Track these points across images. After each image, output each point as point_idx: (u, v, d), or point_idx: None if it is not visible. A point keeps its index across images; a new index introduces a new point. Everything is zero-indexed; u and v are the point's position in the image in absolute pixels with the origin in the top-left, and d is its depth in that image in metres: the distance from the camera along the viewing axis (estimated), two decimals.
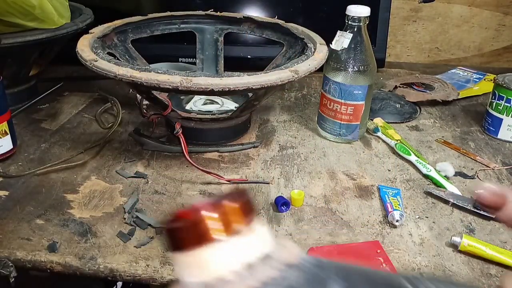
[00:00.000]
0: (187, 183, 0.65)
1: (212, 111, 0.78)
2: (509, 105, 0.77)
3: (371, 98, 0.77)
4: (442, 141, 0.79)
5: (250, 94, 0.72)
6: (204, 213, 0.18)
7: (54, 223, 0.56)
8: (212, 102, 0.82)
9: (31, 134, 0.77)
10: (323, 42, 0.74)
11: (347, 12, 0.71)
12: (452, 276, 0.50)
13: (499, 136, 0.79)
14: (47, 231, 0.55)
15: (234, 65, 0.85)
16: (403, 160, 0.72)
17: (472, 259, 0.53)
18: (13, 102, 0.79)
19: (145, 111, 0.77)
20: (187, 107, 0.80)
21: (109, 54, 0.68)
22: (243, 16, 0.85)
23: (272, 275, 0.17)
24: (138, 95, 0.77)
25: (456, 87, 0.98)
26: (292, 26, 0.81)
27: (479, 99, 0.97)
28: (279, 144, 0.76)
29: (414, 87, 0.99)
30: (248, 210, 0.18)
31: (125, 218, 0.57)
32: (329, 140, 0.77)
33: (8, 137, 0.67)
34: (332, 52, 0.72)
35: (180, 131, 0.66)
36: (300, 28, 0.80)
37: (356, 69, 0.71)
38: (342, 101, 0.73)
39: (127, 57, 0.77)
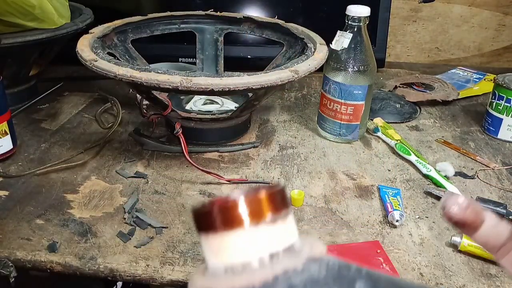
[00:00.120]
0: (187, 183, 0.65)
1: (212, 111, 0.78)
2: (509, 105, 0.77)
3: (371, 98, 0.77)
4: (442, 141, 0.79)
5: (250, 94, 0.72)
6: (235, 198, 0.18)
7: (54, 223, 0.56)
8: (212, 102, 0.82)
9: (31, 134, 0.77)
10: (323, 42, 0.74)
11: (347, 12, 0.71)
12: (452, 276, 0.50)
13: (499, 136, 0.79)
14: (47, 231, 0.55)
15: (234, 65, 0.85)
16: (403, 160, 0.72)
17: (472, 259, 0.53)
18: (13, 102, 0.79)
19: (145, 111, 0.77)
20: (187, 107, 0.80)
21: (109, 54, 0.68)
22: (243, 16, 0.85)
23: (295, 266, 0.17)
24: (138, 95, 0.77)
25: (456, 87, 0.98)
26: (292, 26, 0.81)
27: (479, 99, 0.97)
28: (279, 144, 0.76)
29: (414, 87, 0.99)
30: (280, 201, 0.19)
31: (125, 218, 0.57)
32: (329, 140, 0.77)
33: (8, 137, 0.67)
34: (332, 52, 0.72)
35: (180, 131, 0.66)
36: (300, 28, 0.80)
37: (356, 69, 0.71)
38: (342, 101, 0.73)
39: (127, 57, 0.77)
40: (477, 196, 0.61)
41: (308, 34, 0.77)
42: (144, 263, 0.51)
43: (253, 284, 0.16)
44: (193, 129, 0.72)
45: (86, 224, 0.56)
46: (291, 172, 0.68)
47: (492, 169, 0.71)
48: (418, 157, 0.70)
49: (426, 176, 0.68)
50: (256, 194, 0.18)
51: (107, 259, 0.51)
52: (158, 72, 0.58)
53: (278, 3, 1.06)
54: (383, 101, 0.88)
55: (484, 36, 1.19)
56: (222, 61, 0.87)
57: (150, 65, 0.81)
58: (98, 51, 0.65)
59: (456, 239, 0.53)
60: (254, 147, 0.74)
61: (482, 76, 1.06)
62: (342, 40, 0.72)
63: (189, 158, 0.64)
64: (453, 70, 1.10)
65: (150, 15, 0.83)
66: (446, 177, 0.67)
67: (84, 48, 0.65)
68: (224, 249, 0.18)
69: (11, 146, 0.68)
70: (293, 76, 0.61)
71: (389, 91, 0.95)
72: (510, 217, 0.58)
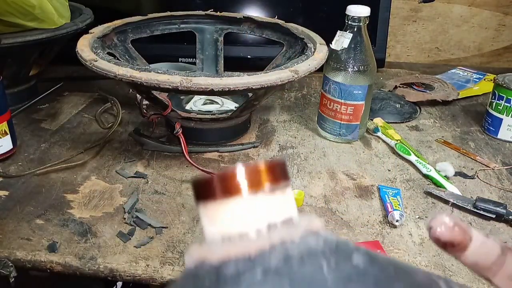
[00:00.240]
0: (187, 183, 0.65)
1: (212, 111, 0.78)
2: (509, 105, 0.77)
3: (371, 98, 0.77)
4: (442, 141, 0.79)
5: (250, 94, 0.72)
6: (235, 169, 0.18)
7: (54, 223, 0.56)
8: (212, 102, 0.82)
9: (31, 134, 0.77)
10: (323, 42, 0.74)
11: (347, 12, 0.71)
12: (452, 276, 0.50)
13: (499, 136, 0.79)
14: (47, 231, 0.55)
15: (234, 65, 0.85)
16: (403, 160, 0.72)
17: None
18: (13, 102, 0.79)
19: (145, 111, 0.77)
20: (187, 107, 0.80)
21: (109, 54, 0.68)
22: (243, 16, 0.85)
23: (292, 238, 0.17)
24: (138, 95, 0.77)
25: (456, 87, 0.98)
26: (292, 26, 0.81)
27: (479, 99, 0.97)
28: (279, 144, 0.76)
29: (414, 87, 0.99)
30: (279, 173, 0.19)
31: (125, 218, 0.57)
32: (329, 140, 0.77)
33: (8, 137, 0.67)
34: (332, 52, 0.72)
35: (180, 131, 0.66)
36: (300, 28, 0.80)
37: (356, 69, 0.71)
38: (342, 101, 0.73)
39: (127, 57, 0.77)
40: (477, 196, 0.61)
41: (308, 34, 0.77)
42: (144, 263, 0.51)
43: (249, 253, 0.17)
44: (193, 129, 0.72)
45: (86, 224, 0.56)
46: (291, 172, 0.68)
47: (492, 169, 0.71)
48: (418, 157, 0.70)
49: (426, 176, 0.68)
50: (255, 165, 0.18)
51: (107, 259, 0.51)
52: (158, 72, 0.58)
53: (278, 3, 1.06)
54: (383, 101, 0.88)
55: (484, 36, 1.19)
56: (222, 61, 0.87)
57: (150, 65, 0.81)
58: (98, 51, 0.65)
59: None
60: (254, 147, 0.74)
61: (482, 76, 1.06)
62: (342, 40, 0.72)
63: (189, 158, 0.64)
64: (453, 70, 1.10)
65: (150, 15, 0.83)
66: (446, 177, 0.67)
67: (84, 48, 0.65)
68: (222, 217, 0.18)
69: (11, 146, 0.68)
70: (293, 76, 0.61)
71: (389, 91, 0.95)
72: (510, 217, 0.58)
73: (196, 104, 0.81)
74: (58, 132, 0.78)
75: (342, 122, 0.74)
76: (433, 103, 0.92)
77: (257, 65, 0.81)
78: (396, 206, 0.59)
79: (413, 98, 0.91)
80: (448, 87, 0.96)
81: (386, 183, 0.66)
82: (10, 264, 0.51)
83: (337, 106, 0.74)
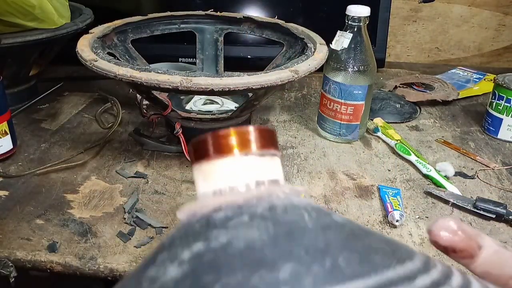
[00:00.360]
0: (187, 183, 0.65)
1: (212, 111, 0.78)
2: (509, 105, 0.77)
3: (371, 98, 0.77)
4: (442, 141, 0.79)
5: (250, 94, 0.72)
6: (227, 129, 0.20)
7: (54, 223, 0.56)
8: (212, 102, 0.82)
9: (31, 134, 0.77)
10: (323, 42, 0.74)
11: (347, 12, 0.71)
12: None
13: (499, 136, 0.79)
14: (47, 231, 0.55)
15: (234, 65, 0.85)
16: (403, 160, 0.72)
17: None
18: (13, 102, 0.79)
19: (145, 111, 0.77)
20: (187, 107, 0.80)
21: (109, 54, 0.68)
22: (243, 16, 0.85)
23: (277, 193, 0.19)
24: (138, 95, 0.77)
25: (456, 87, 0.98)
26: (292, 26, 0.81)
27: (479, 99, 0.97)
28: (279, 144, 0.76)
29: (414, 87, 0.99)
30: (268, 140, 0.20)
31: (125, 218, 0.57)
32: (329, 140, 0.77)
33: (8, 137, 0.67)
34: (332, 52, 0.72)
35: (180, 131, 0.66)
36: (300, 28, 0.80)
37: (356, 69, 0.71)
38: (342, 101, 0.73)
39: (127, 57, 0.77)
40: (477, 196, 0.61)
41: (308, 34, 0.77)
42: None
43: (237, 202, 0.18)
44: (193, 129, 0.72)
45: (86, 224, 0.56)
46: (291, 172, 0.68)
47: (492, 169, 0.71)
48: (418, 157, 0.70)
49: (426, 176, 0.68)
50: (247, 128, 0.20)
51: (107, 259, 0.51)
52: (158, 72, 0.58)
53: (278, 3, 1.06)
54: (383, 101, 0.88)
55: (484, 36, 1.19)
56: (222, 61, 0.87)
57: (150, 65, 0.81)
58: (98, 51, 0.65)
59: None
60: None
61: (482, 76, 1.06)
62: (342, 40, 0.72)
63: (189, 158, 0.64)
64: (453, 70, 1.10)
65: (150, 15, 0.83)
66: (446, 177, 0.67)
67: (84, 48, 0.65)
68: (215, 174, 0.19)
69: (11, 146, 0.68)
70: (293, 76, 0.61)
71: (389, 91, 0.95)
72: (510, 217, 0.58)
73: (196, 104, 0.81)
74: (58, 132, 0.78)
75: (342, 122, 0.74)
76: (433, 103, 0.92)
77: (257, 65, 0.81)
78: (396, 206, 0.59)
79: (413, 98, 0.91)
80: (448, 87, 0.96)
81: (386, 183, 0.66)
82: (10, 264, 0.51)
83: (337, 106, 0.74)
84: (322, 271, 0.15)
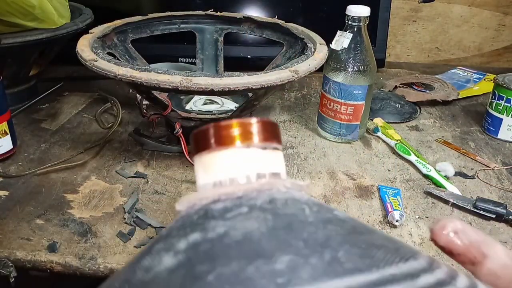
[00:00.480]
0: (187, 183, 0.65)
1: (212, 111, 0.78)
2: (509, 105, 0.77)
3: (371, 98, 0.77)
4: (442, 141, 0.79)
5: (250, 94, 0.72)
6: (230, 120, 0.19)
7: (54, 223, 0.56)
8: (212, 102, 0.82)
9: (31, 134, 0.77)
10: (323, 42, 0.74)
11: (347, 12, 0.71)
12: None
13: (499, 136, 0.79)
14: (47, 231, 0.55)
15: (234, 65, 0.85)
16: (403, 160, 0.72)
17: None
18: (13, 102, 0.79)
19: (145, 111, 0.77)
20: (187, 107, 0.80)
21: (109, 54, 0.68)
22: (243, 16, 0.85)
23: (279, 187, 0.18)
24: (138, 95, 0.77)
25: (456, 87, 0.98)
26: (292, 26, 0.81)
27: (479, 99, 0.97)
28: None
29: (414, 87, 0.99)
30: (271, 133, 0.20)
31: (125, 218, 0.57)
32: (329, 140, 0.77)
33: (8, 137, 0.67)
34: (332, 52, 0.72)
35: (180, 131, 0.66)
36: (300, 28, 0.80)
37: (356, 69, 0.71)
38: (342, 101, 0.73)
39: (127, 57, 0.77)
40: (477, 196, 0.61)
41: (308, 34, 0.77)
42: None
43: (237, 194, 0.18)
44: (193, 129, 0.72)
45: (86, 224, 0.56)
46: (291, 172, 0.68)
47: (492, 169, 0.71)
48: (418, 157, 0.70)
49: (426, 176, 0.68)
50: (249, 119, 0.19)
51: (107, 259, 0.51)
52: (158, 72, 0.58)
53: (278, 3, 1.06)
54: (383, 101, 0.88)
55: (484, 36, 1.19)
56: (222, 61, 0.87)
57: (150, 65, 0.81)
58: (98, 51, 0.65)
59: None
60: None
61: (482, 76, 1.06)
62: (342, 40, 0.72)
63: (189, 158, 0.64)
64: (453, 70, 1.10)
65: (150, 15, 0.83)
66: (446, 177, 0.67)
67: (84, 48, 0.65)
68: (215, 165, 0.19)
69: (11, 146, 0.68)
70: (293, 76, 0.61)
71: (389, 91, 0.95)
72: (510, 217, 0.58)
73: (196, 104, 0.81)
74: (58, 132, 0.78)
75: (342, 122, 0.74)
76: (433, 103, 0.92)
77: (257, 65, 0.81)
78: (396, 206, 0.59)
79: (413, 98, 0.91)
80: (448, 87, 0.96)
81: (386, 183, 0.66)
82: (10, 264, 0.51)
83: (337, 106, 0.74)
84: (321, 264, 0.14)
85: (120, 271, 0.17)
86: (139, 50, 0.80)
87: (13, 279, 0.50)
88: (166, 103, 0.69)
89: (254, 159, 0.19)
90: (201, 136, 0.19)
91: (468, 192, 0.65)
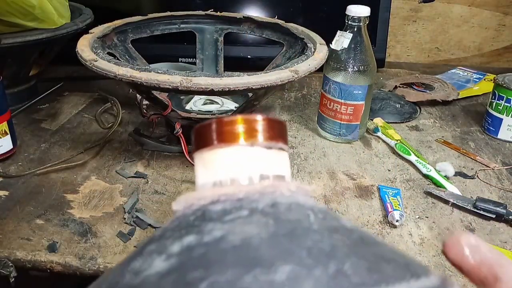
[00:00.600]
0: (187, 183, 0.65)
1: (212, 111, 0.78)
2: (509, 105, 0.77)
3: (371, 98, 0.77)
4: (442, 141, 0.79)
5: (250, 94, 0.72)
6: (234, 116, 0.18)
7: (54, 223, 0.56)
8: (212, 102, 0.82)
9: (31, 134, 0.77)
10: (323, 42, 0.74)
11: (347, 12, 0.71)
12: (452, 276, 0.50)
13: (499, 136, 0.79)
14: (47, 231, 0.55)
15: (234, 65, 0.85)
16: (403, 160, 0.72)
17: None
18: (13, 102, 0.79)
19: (145, 111, 0.77)
20: (187, 107, 0.80)
21: (109, 54, 0.68)
22: (243, 16, 0.85)
23: (282, 191, 0.17)
24: (138, 95, 0.77)
25: (456, 87, 0.98)
26: (292, 26, 0.81)
27: (479, 99, 0.97)
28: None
29: (414, 87, 0.99)
30: (277, 132, 0.19)
31: (125, 218, 0.57)
32: (329, 140, 0.77)
33: (8, 137, 0.67)
34: (332, 52, 0.72)
35: (180, 131, 0.66)
36: (300, 28, 0.80)
37: (356, 69, 0.71)
38: (342, 101, 0.73)
39: (127, 57, 0.77)
40: (477, 196, 0.61)
41: (308, 34, 0.77)
42: None
43: (238, 195, 0.17)
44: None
45: (86, 224, 0.56)
46: (291, 172, 0.68)
47: (492, 169, 0.71)
48: (418, 157, 0.70)
49: (426, 176, 0.68)
50: (255, 115, 0.18)
51: (107, 259, 0.51)
52: (158, 72, 0.58)
53: (278, 3, 1.06)
54: (383, 101, 0.88)
55: (484, 36, 1.19)
56: (222, 61, 0.87)
57: (150, 65, 0.81)
58: (98, 51, 0.65)
59: None
60: None
61: (482, 76, 1.06)
62: (342, 40, 0.72)
63: (189, 158, 0.64)
64: (453, 70, 1.10)
65: (150, 15, 0.83)
66: (446, 177, 0.67)
67: (84, 48, 0.65)
68: (216, 163, 0.18)
69: (11, 146, 0.68)
70: (293, 76, 0.61)
71: (389, 91, 0.95)
72: (510, 217, 0.58)
73: (196, 104, 0.81)
74: (58, 132, 0.78)
75: (342, 122, 0.74)
76: (433, 103, 0.92)
77: (257, 65, 0.81)
78: (396, 206, 0.59)
79: (413, 98, 0.91)
80: (448, 87, 0.96)
81: (386, 183, 0.66)
82: (10, 264, 0.51)
83: (337, 106, 0.74)
84: (325, 276, 0.13)
85: (109, 272, 0.16)
86: (139, 50, 0.80)
87: (13, 279, 0.50)
88: (166, 103, 0.69)
89: (257, 159, 0.18)
90: (203, 131, 0.18)
91: (468, 192, 0.65)
